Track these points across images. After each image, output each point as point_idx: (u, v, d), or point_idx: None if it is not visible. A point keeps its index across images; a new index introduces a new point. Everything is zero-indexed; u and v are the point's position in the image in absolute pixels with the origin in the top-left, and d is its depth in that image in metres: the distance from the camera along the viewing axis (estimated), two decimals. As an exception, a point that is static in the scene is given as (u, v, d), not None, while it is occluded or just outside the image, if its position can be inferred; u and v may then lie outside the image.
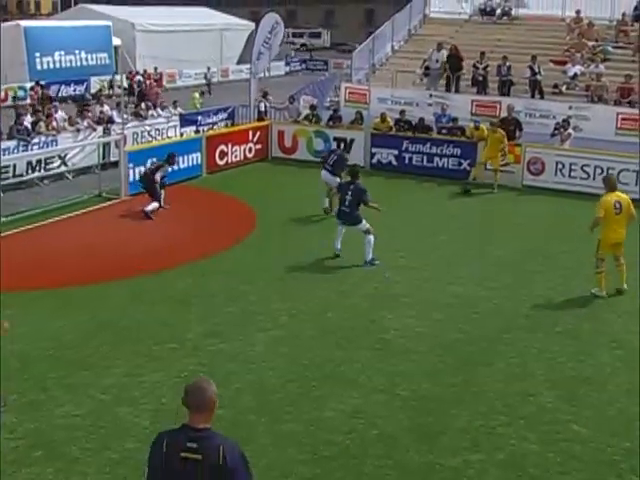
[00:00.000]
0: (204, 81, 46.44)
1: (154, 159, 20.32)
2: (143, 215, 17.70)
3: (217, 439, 5.09)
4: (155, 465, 5.18)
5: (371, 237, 14.85)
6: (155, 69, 44.51)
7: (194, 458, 5.00)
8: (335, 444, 8.68)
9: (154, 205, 18.10)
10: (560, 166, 21.00)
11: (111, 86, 23.25)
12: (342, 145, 23.43)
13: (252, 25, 51.35)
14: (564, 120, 22.34)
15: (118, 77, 30.19)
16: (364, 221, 14.95)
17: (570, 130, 21.91)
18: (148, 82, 40.16)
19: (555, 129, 22.21)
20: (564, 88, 26.26)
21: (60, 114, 23.46)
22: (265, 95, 29.49)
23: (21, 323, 11.52)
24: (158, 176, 18.33)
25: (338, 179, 17.51)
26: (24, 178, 20.51)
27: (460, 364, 10.75)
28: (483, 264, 15.11)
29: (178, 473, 5.04)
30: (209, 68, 47.56)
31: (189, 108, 30.47)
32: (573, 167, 20.80)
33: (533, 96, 25.86)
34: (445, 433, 8.96)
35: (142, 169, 19.43)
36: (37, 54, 41.20)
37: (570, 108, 24.18)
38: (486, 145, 21.42)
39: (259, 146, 24.61)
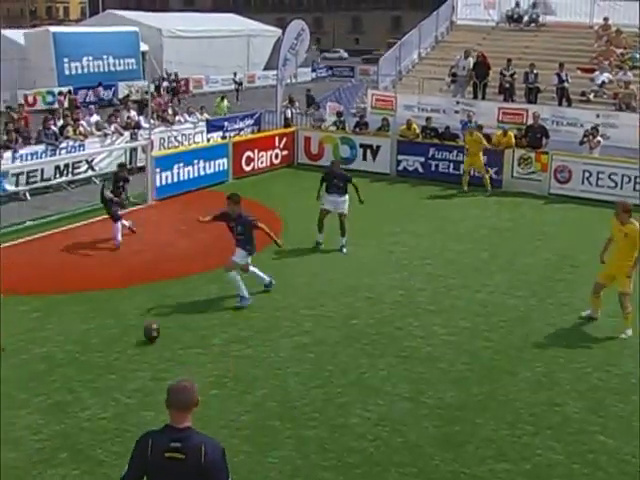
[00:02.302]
0: (232, 86, 46.51)
1: (181, 164, 20.48)
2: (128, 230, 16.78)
3: (199, 438, 5.27)
4: (139, 464, 5.34)
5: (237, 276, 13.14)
6: (175, 74, 44.66)
7: (178, 457, 5.17)
8: (359, 451, 8.66)
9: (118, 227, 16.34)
10: (587, 174, 20.85)
11: (146, 92, 23.35)
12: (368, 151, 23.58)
13: (279, 31, 51.64)
14: (593, 127, 22.19)
15: (146, 83, 30.46)
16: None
17: (599, 138, 21.76)
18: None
19: (584, 136, 22.07)
20: (592, 96, 26.11)
21: (94, 117, 23.64)
22: (292, 101, 29.57)
23: (48, 326, 11.61)
24: (107, 193, 16.51)
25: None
26: (52, 182, 20.67)
27: (486, 372, 10.70)
28: (510, 272, 15.03)
29: (162, 472, 5.22)
30: (235, 73, 47.71)
31: (213, 114, 30.53)
32: (600, 175, 20.65)
33: (560, 104, 25.73)
34: (471, 442, 8.91)
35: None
36: (66, 59, 41.58)
37: (598, 116, 24.03)
38: (467, 152, 21.65)
39: (285, 152, 24.66)
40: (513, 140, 21.97)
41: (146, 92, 29.38)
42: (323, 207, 16.21)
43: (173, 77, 43.94)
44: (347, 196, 16.11)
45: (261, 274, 13.53)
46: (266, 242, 14.34)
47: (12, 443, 8.65)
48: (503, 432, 9.13)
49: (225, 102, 32.61)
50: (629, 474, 8.36)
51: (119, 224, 16.31)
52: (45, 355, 10.88)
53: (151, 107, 22.47)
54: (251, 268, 13.36)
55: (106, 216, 16.65)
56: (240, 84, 46.62)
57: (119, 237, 16.13)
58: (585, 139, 21.95)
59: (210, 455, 5.19)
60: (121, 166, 17.62)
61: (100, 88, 41.40)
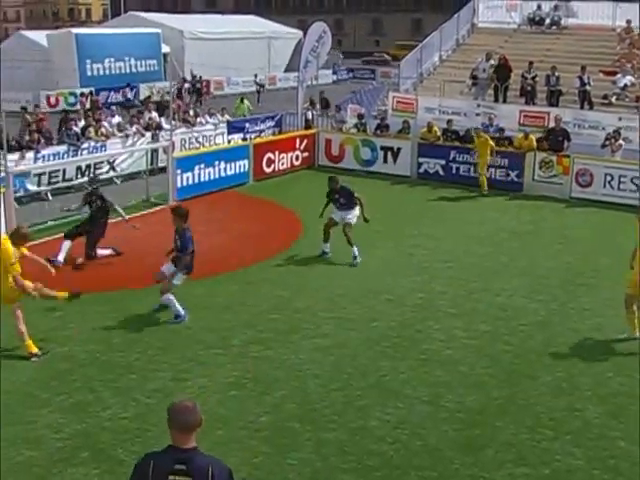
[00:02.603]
0: (253, 88, 46.56)
1: (202, 165, 20.55)
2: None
3: (205, 459, 5.05)
4: None
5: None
6: (199, 76, 44.79)
7: None
8: (379, 454, 8.66)
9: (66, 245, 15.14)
10: (609, 178, 20.73)
11: (167, 93, 23.47)
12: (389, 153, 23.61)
13: (300, 33, 51.67)
14: (615, 131, 22.08)
15: (167, 84, 30.55)
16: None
17: (621, 141, 21.65)
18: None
19: (606, 139, 21.96)
20: (614, 99, 25.96)
21: (116, 118, 23.77)
22: (312, 103, 29.59)
23: (70, 325, 11.68)
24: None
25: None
26: (73, 182, 20.77)
27: (506, 376, 10.67)
28: (530, 276, 14.97)
29: None
30: (256, 75, 47.77)
31: (232, 115, 30.55)
32: (622, 179, 20.52)
33: (582, 107, 25.61)
34: (490, 446, 8.89)
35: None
36: (88, 61, 41.78)
37: (620, 119, 23.89)
38: (479, 153, 21.74)
39: (306, 154, 24.68)
40: (534, 143, 21.91)
41: (167, 93, 29.52)
42: (331, 216, 15.99)
43: (197, 78, 44.06)
44: (357, 208, 15.67)
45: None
46: (282, 247, 14.40)
47: (33, 442, 8.72)
48: (523, 436, 9.10)
49: (246, 103, 32.63)
50: (650, 480, 8.32)
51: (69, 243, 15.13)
52: (67, 354, 10.96)
53: (172, 108, 22.52)
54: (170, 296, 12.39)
55: (128, 216, 16.70)
56: (262, 86, 46.66)
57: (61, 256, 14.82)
58: (607, 142, 21.85)
59: (218, 477, 5.00)
60: (92, 180, 16.73)
61: (127, 89, 41.61)
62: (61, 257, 14.78)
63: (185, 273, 12.40)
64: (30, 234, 11.53)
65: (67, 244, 15.05)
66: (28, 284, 10.78)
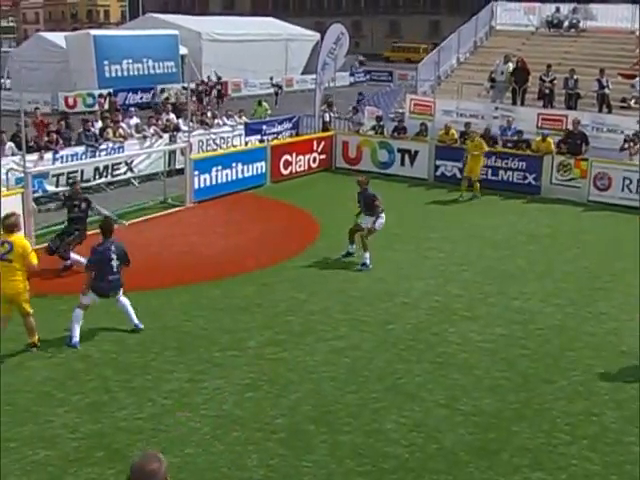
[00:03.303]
0: (270, 90, 46.59)
1: (219, 167, 20.60)
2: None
3: None
4: None
5: (126, 301, 12.06)
6: (208, 78, 44.91)
7: None
8: (394, 457, 8.64)
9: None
10: (627, 182, 20.61)
11: (187, 89, 23.49)
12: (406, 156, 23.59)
13: (317, 35, 51.70)
14: (634, 134, 21.96)
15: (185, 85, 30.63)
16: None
17: (639, 145, 21.53)
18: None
19: (624, 142, 21.85)
20: (632, 102, 25.83)
21: (134, 120, 23.86)
22: (330, 105, 29.58)
23: (84, 326, 11.70)
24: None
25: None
26: (91, 183, 20.83)
27: (522, 380, 10.62)
28: (547, 280, 14.91)
29: None
30: (272, 77, 47.77)
31: (250, 117, 30.58)
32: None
33: (600, 110, 25.50)
34: (506, 450, 8.85)
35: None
36: (106, 62, 41.96)
37: (638, 122, 23.77)
38: (469, 157, 21.45)
39: (323, 156, 24.68)
40: (552, 146, 21.82)
41: (185, 90, 29.55)
42: (357, 221, 15.87)
43: (216, 80, 44.26)
44: (380, 216, 15.43)
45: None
46: (298, 249, 14.38)
47: (49, 441, 8.75)
48: (539, 441, 9.06)
49: (264, 105, 32.64)
50: (667, 487, 8.27)
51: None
52: (82, 354, 10.99)
53: (190, 110, 22.57)
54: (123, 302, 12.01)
55: (143, 218, 16.78)
56: (280, 87, 46.69)
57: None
58: (626, 145, 21.74)
59: None
60: (73, 185, 15.84)
61: (153, 91, 41.85)
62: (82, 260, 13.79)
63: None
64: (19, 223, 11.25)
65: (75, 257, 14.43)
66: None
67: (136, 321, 11.91)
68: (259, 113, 31.68)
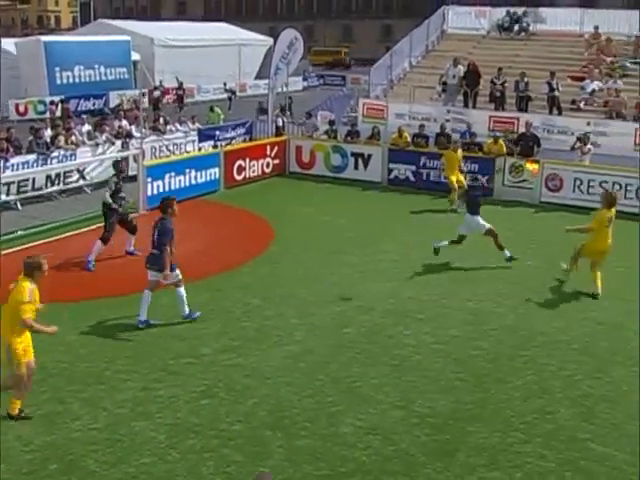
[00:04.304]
0: (224, 95, 46.46)
1: (172, 173, 20.48)
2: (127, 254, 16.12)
3: None
4: None
5: (182, 290, 12.60)
6: (161, 82, 44.71)
7: None
8: (351, 460, 8.66)
9: (98, 246, 15.51)
10: (578, 182, 20.91)
11: (136, 106, 23.39)
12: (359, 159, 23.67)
13: (270, 40, 51.66)
14: (584, 135, 22.27)
15: (137, 92, 30.47)
16: (176, 271, 12.53)
17: (590, 145, 21.84)
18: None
19: (576, 142, 22.14)
20: (582, 104, 26.23)
21: (86, 127, 23.63)
22: (283, 110, 29.59)
23: (37, 336, 11.53)
24: (107, 194, 15.86)
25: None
26: (43, 191, 20.62)
27: (477, 381, 10.71)
28: (500, 281, 15.04)
29: None
30: (225, 83, 47.65)
31: (205, 123, 30.50)
32: (591, 183, 20.70)
33: (551, 112, 25.83)
34: (462, 450, 8.92)
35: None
36: (57, 68, 41.48)
37: (588, 124, 24.15)
38: (450, 166, 21.12)
39: (277, 161, 24.67)
40: (504, 148, 22.05)
41: (135, 101, 29.41)
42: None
43: (178, 85, 44.18)
44: (476, 217, 16.14)
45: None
46: (253, 254, 14.41)
47: (2, 455, 8.61)
48: (494, 440, 9.14)
49: (216, 111, 32.54)
50: (621, 481, 8.39)
51: (100, 244, 15.45)
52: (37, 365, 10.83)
53: (142, 116, 22.41)
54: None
55: (96, 226, 16.59)
56: (233, 93, 46.59)
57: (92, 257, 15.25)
58: (576, 146, 22.03)
59: None
60: (116, 164, 16.80)
61: (105, 97, 41.56)
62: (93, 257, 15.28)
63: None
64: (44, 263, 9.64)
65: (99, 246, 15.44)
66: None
67: (186, 311, 12.49)
68: (212, 119, 31.58)
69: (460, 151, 21.43)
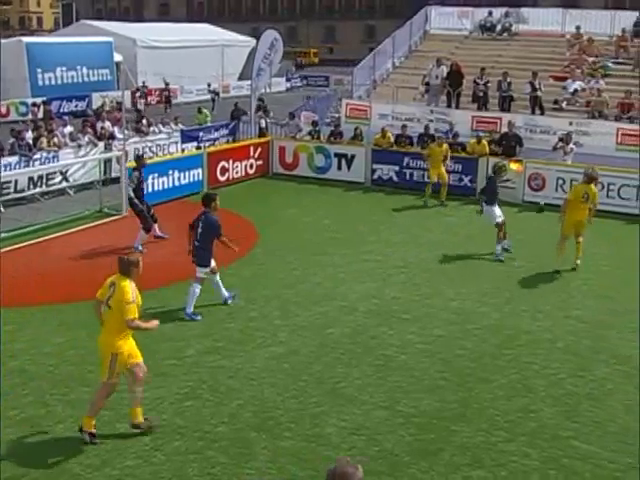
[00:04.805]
0: (207, 96, 46.38)
1: (155, 174, 20.42)
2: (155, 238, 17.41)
3: None
4: None
5: (216, 277, 13.23)
6: (144, 84, 44.54)
7: None
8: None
9: (142, 235, 16.85)
10: (561, 182, 21.02)
11: (119, 108, 23.33)
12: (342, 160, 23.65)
13: (253, 41, 51.60)
14: (567, 134, 22.37)
15: (119, 93, 30.36)
16: (212, 263, 13.12)
17: (572, 145, 21.93)
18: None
19: (557, 143, 22.23)
20: (564, 104, 26.31)
21: (68, 128, 23.54)
22: (266, 111, 29.56)
23: (21, 339, 11.53)
24: (130, 190, 17.24)
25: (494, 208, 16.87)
26: (25, 194, 20.54)
27: (461, 380, 10.74)
28: (484, 280, 15.10)
29: None
30: (210, 84, 47.59)
31: (189, 124, 30.42)
32: (574, 182, 20.73)
33: (533, 112, 25.90)
34: (446, 449, 8.94)
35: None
36: (39, 70, 41.37)
37: (570, 124, 24.21)
38: (432, 160, 21.47)
39: (260, 162, 24.66)
40: (487, 148, 22.13)
41: (119, 102, 29.30)
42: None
43: (164, 85, 44.16)
44: (493, 207, 16.84)
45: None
46: (237, 255, 14.40)
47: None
48: (478, 439, 9.17)
49: (204, 112, 32.49)
50: (604, 479, 8.43)
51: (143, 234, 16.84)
52: (19, 369, 10.79)
53: (125, 117, 22.34)
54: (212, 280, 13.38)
55: (79, 228, 16.56)
56: (217, 94, 46.54)
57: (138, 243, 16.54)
58: (558, 145, 22.12)
59: None
60: (138, 158, 18.03)
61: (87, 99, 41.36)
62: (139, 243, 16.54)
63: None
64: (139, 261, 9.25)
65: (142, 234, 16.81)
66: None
67: (225, 295, 13.41)
68: (200, 120, 31.51)
69: (446, 146, 21.53)
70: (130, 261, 9.03)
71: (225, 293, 13.40)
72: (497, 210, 16.67)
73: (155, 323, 9.33)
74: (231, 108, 31.83)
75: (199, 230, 12.84)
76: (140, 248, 16.40)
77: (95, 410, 9.06)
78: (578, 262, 15.65)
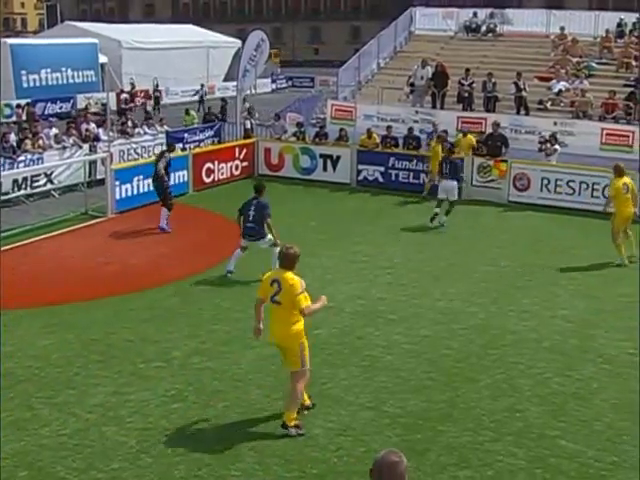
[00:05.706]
0: (194, 98, 46.26)
1: (140, 176, 20.37)
2: (159, 230, 18.14)
3: None
4: None
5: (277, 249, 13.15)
6: (133, 86, 44.40)
7: None
8: (323, 462, 8.65)
9: (164, 213, 18.24)
10: (546, 182, 21.10)
11: (105, 110, 23.29)
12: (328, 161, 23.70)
13: (238, 42, 51.57)
14: (551, 135, 22.45)
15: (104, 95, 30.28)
16: (268, 236, 14.78)
17: (556, 145, 22.02)
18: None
19: (543, 143, 22.30)
20: (549, 104, 26.43)
21: (53, 130, 23.45)
22: (251, 112, 29.53)
23: (6, 342, 11.47)
24: (161, 165, 18.41)
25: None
26: (10, 196, 20.42)
27: (447, 380, 10.75)
28: (470, 280, 15.13)
29: None
30: (202, 85, 47.39)
31: (175, 125, 30.37)
32: (559, 182, 20.90)
33: (518, 112, 26.00)
34: (433, 449, 8.94)
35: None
36: (23, 72, 41.12)
37: (555, 124, 24.35)
38: (432, 158, 21.68)
39: (245, 163, 24.64)
40: (474, 140, 22.18)
41: (103, 104, 29.22)
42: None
43: (154, 87, 44.07)
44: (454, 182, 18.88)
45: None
46: (222, 257, 14.37)
47: (-30, 462, 8.53)
48: (465, 439, 9.18)
49: (192, 113, 32.48)
50: (590, 477, 8.45)
51: (165, 210, 18.18)
52: (4, 372, 10.73)
53: (110, 119, 22.28)
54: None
55: (64, 230, 16.49)
56: (203, 96, 46.44)
57: (164, 223, 18.02)
58: (543, 146, 22.21)
59: None
60: (170, 145, 19.71)
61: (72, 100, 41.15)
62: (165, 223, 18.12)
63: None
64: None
65: (165, 212, 18.20)
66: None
67: (231, 267, 14.94)
68: (187, 121, 31.50)
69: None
70: (296, 256, 9.34)
71: (232, 266, 14.88)
72: (457, 186, 18.31)
73: (323, 298, 9.57)
74: (217, 109, 31.84)
75: (251, 212, 14.67)
76: (166, 227, 17.97)
77: (297, 403, 9.36)
78: (636, 251, 16.35)
